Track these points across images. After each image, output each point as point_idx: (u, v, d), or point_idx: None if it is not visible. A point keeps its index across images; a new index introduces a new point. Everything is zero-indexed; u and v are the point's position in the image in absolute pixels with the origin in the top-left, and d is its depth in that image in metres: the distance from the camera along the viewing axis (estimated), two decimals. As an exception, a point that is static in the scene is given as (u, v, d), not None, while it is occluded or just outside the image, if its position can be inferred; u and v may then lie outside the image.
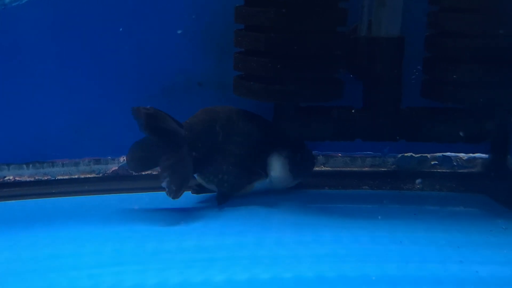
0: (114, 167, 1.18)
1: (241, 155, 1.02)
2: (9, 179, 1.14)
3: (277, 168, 1.03)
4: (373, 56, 0.99)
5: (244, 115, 1.04)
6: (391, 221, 0.96)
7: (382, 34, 0.99)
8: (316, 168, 1.21)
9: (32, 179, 1.14)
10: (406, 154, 1.20)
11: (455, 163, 1.20)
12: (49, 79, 1.12)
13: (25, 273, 0.80)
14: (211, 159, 1.00)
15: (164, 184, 0.94)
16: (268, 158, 1.03)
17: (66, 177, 1.16)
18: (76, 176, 1.16)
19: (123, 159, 1.18)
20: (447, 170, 1.20)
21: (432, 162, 1.20)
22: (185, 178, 0.96)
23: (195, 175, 1.03)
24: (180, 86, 1.16)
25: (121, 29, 1.11)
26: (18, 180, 1.14)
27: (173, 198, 0.94)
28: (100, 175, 1.17)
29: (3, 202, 1.08)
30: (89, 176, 1.17)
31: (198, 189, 1.06)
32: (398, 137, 1.03)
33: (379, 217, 0.98)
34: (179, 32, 1.10)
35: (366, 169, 1.20)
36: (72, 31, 1.10)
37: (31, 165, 1.15)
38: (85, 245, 0.88)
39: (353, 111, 1.02)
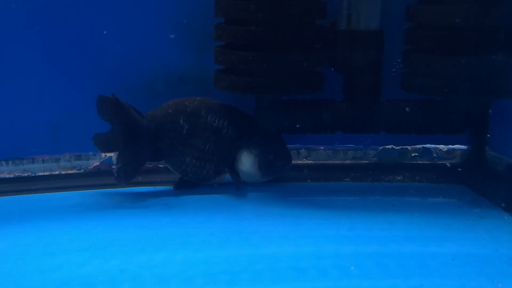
0: (95, 163, 1.17)
1: (207, 149, 1.03)
2: (-6, 175, 1.13)
3: (246, 164, 1.04)
4: (353, 49, 1.00)
5: (218, 110, 1.04)
6: (370, 213, 0.98)
7: (362, 27, 0.99)
8: (299, 161, 1.23)
9: (12, 175, 1.13)
10: (387, 147, 1.22)
11: (435, 155, 1.22)
12: (26, 75, 1.10)
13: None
14: (175, 150, 1.04)
15: (114, 170, 1.01)
16: (237, 154, 1.04)
17: (47, 173, 1.14)
18: (57, 172, 1.15)
19: (104, 154, 1.18)
20: (427, 162, 1.22)
21: (413, 154, 1.22)
22: (137, 166, 1.02)
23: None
24: (161, 81, 1.15)
25: (101, 23, 1.10)
26: (-1, 177, 1.13)
27: (120, 183, 1.01)
28: (82, 171, 1.16)
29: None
30: (70, 172, 1.16)
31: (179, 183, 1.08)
32: (378, 130, 1.04)
33: (359, 208, 1.00)
34: (172, 36, 1.11)
35: (348, 161, 1.22)
36: (51, 25, 1.08)
37: (10, 162, 1.13)
38: (65, 236, 0.88)
39: (333, 104, 1.03)
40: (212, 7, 1.05)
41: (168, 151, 1.04)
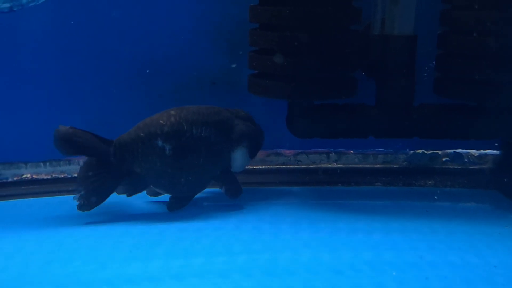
0: (129, 165, 1.20)
1: (202, 163, 0.96)
2: (26, 176, 1.15)
3: (239, 159, 1.01)
4: (387, 54, 1.00)
5: (198, 118, 0.96)
6: (403, 216, 0.98)
7: (396, 32, 1.00)
8: (328, 165, 1.24)
9: (49, 176, 1.16)
10: (417, 151, 1.21)
11: (466, 160, 1.22)
12: (65, 79, 1.13)
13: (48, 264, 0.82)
14: (163, 174, 0.95)
15: (75, 197, 0.95)
16: (231, 154, 1.00)
17: (83, 174, 1.18)
18: (92, 174, 1.19)
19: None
20: (458, 167, 1.21)
21: (444, 159, 1.22)
22: (100, 196, 0.95)
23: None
24: (193, 85, 1.17)
25: (134, 28, 1.12)
26: (36, 178, 1.16)
27: (81, 210, 0.95)
28: (116, 172, 1.19)
29: (21, 199, 1.10)
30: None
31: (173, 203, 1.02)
32: (411, 134, 1.04)
33: (392, 212, 1.00)
34: (204, 41, 1.11)
35: (378, 165, 1.22)
36: (81, 29, 1.11)
37: (48, 163, 1.17)
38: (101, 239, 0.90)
39: (365, 108, 1.03)
40: (244, 12, 1.06)
41: (152, 175, 0.96)
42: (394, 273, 0.78)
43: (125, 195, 0.99)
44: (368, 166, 1.21)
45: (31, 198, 1.10)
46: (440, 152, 1.21)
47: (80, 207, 0.95)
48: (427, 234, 0.90)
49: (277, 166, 1.22)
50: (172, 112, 0.96)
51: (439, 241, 0.88)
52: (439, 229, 0.92)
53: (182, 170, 0.95)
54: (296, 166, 1.22)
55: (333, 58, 0.97)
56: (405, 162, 1.22)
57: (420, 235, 0.90)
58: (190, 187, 0.98)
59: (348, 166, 1.21)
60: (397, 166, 1.21)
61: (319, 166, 1.21)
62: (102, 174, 0.95)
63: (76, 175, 1.17)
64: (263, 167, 1.21)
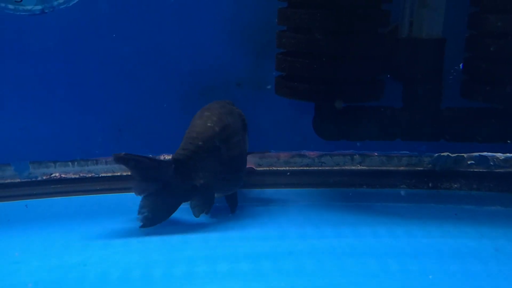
0: (155, 165, 1.22)
1: (239, 156, 0.98)
2: (55, 175, 1.17)
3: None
4: (414, 57, 1.00)
5: (228, 111, 0.98)
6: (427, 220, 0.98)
7: (424, 35, 0.99)
8: (352, 167, 1.24)
9: (77, 176, 1.18)
10: (442, 154, 1.21)
11: (491, 163, 1.21)
12: (94, 79, 1.15)
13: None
14: (220, 175, 0.94)
15: (138, 217, 0.93)
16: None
17: (109, 174, 1.19)
18: (118, 174, 1.19)
19: (163, 157, 1.21)
20: (484, 170, 1.20)
21: (469, 162, 1.21)
22: (164, 217, 0.94)
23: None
24: (219, 86, 1.18)
25: (163, 30, 1.13)
26: (64, 177, 1.17)
27: (144, 227, 0.93)
28: (141, 172, 1.21)
29: (50, 198, 1.12)
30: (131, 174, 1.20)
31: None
32: (438, 137, 1.04)
33: (416, 215, 1.00)
34: (230, 42, 1.10)
35: (403, 168, 1.22)
36: (111, 30, 1.12)
37: (76, 163, 1.18)
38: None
39: (392, 111, 1.03)
40: (271, 13, 1.07)
41: (214, 181, 0.94)
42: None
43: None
44: (392, 168, 1.21)
45: (60, 197, 1.13)
46: (465, 155, 1.20)
47: (143, 225, 0.93)
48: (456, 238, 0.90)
49: (301, 168, 1.22)
50: (206, 113, 0.96)
51: (467, 246, 0.88)
52: (467, 234, 0.92)
53: (231, 166, 0.96)
54: (320, 168, 1.22)
55: (361, 61, 0.98)
56: (430, 165, 1.21)
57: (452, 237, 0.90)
58: (236, 183, 0.99)
59: (372, 168, 1.21)
60: (421, 168, 1.20)
61: (343, 168, 1.22)
62: (164, 195, 0.93)
63: (103, 174, 1.22)
64: (287, 168, 1.22)
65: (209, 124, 0.93)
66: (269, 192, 1.13)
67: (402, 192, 1.12)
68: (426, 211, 1.04)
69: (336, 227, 0.95)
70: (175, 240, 0.91)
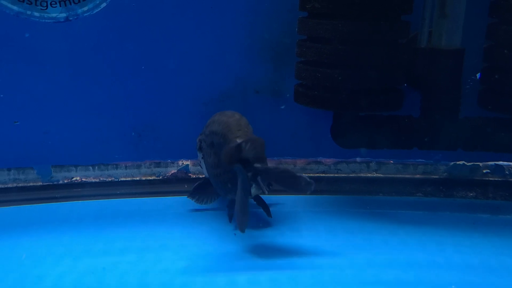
0: (173, 170, 1.23)
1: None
2: (76, 179, 1.20)
3: None
4: (433, 67, 1.01)
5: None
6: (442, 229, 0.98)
7: (443, 45, 1.01)
8: (368, 174, 1.25)
9: (97, 180, 1.20)
10: (458, 162, 1.22)
11: (507, 172, 1.22)
12: (115, 85, 1.16)
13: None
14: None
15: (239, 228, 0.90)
16: None
17: (129, 179, 1.21)
18: (138, 178, 1.21)
19: (181, 162, 1.23)
20: (499, 179, 1.21)
21: (484, 171, 1.22)
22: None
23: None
24: (238, 93, 1.20)
25: (180, 36, 1.15)
26: (85, 181, 1.20)
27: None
28: (160, 177, 1.22)
29: (71, 202, 1.13)
30: (150, 178, 1.22)
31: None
32: (455, 146, 1.05)
33: (431, 224, 1.01)
34: (249, 51, 1.12)
35: (418, 176, 1.23)
36: (133, 37, 1.14)
37: (96, 167, 1.20)
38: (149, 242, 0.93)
39: (410, 120, 1.04)
40: (289, 23, 1.10)
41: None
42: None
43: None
44: (408, 176, 1.23)
45: (80, 201, 1.14)
46: (480, 164, 1.21)
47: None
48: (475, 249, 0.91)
49: (317, 175, 1.24)
50: (228, 113, 0.98)
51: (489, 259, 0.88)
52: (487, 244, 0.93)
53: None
54: (336, 175, 1.24)
55: (381, 71, 0.99)
56: (445, 173, 1.22)
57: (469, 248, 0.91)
58: None
59: (388, 176, 1.23)
60: (437, 177, 1.22)
61: (359, 175, 1.23)
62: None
63: (122, 179, 1.24)
64: (304, 175, 1.23)
65: (237, 117, 0.94)
66: (284, 198, 1.14)
67: (418, 200, 1.14)
68: (441, 219, 1.05)
69: (350, 234, 0.96)
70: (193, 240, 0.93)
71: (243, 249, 0.91)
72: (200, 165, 1.08)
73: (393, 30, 0.97)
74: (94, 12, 1.12)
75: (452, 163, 1.22)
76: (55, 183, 1.18)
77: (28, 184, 1.17)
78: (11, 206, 1.10)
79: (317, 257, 0.88)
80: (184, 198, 1.14)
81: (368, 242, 0.93)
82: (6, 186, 1.15)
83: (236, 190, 0.90)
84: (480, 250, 0.91)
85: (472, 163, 1.22)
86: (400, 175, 1.23)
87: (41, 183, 1.17)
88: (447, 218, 1.05)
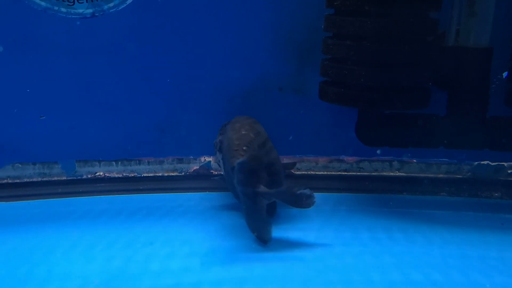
0: (195, 167, 1.23)
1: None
2: (99, 174, 1.20)
3: None
4: (461, 66, 1.01)
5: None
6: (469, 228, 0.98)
7: (471, 44, 1.00)
8: (391, 173, 1.25)
9: (120, 175, 1.21)
10: (482, 162, 1.21)
11: (532, 172, 1.21)
12: (138, 82, 1.17)
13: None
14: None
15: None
16: None
17: (151, 174, 1.22)
18: (160, 174, 1.22)
19: (204, 159, 1.24)
20: (525, 179, 1.21)
21: (509, 171, 1.21)
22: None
23: None
24: (261, 91, 1.20)
25: (205, 33, 1.15)
26: (108, 176, 1.20)
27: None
28: (182, 173, 1.23)
29: (95, 196, 1.14)
30: (172, 174, 1.23)
31: None
32: (482, 146, 1.04)
33: (457, 223, 1.00)
34: (272, 48, 1.12)
35: (442, 175, 1.22)
36: (157, 34, 1.15)
37: (119, 162, 1.21)
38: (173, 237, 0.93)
39: (437, 118, 1.03)
40: (313, 20, 1.10)
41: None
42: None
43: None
44: (431, 175, 1.22)
45: (103, 196, 1.15)
46: (505, 164, 1.20)
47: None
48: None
49: (339, 173, 1.24)
50: (237, 125, 0.97)
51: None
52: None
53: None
54: (358, 173, 1.24)
55: (409, 69, 0.98)
56: (469, 173, 1.21)
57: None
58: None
59: (410, 175, 1.22)
60: (461, 176, 1.21)
61: (382, 174, 1.23)
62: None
63: (145, 174, 1.25)
64: (325, 173, 1.24)
65: (243, 132, 0.94)
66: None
67: (442, 200, 1.13)
68: (466, 219, 1.04)
69: (373, 232, 0.96)
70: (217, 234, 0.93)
71: (265, 245, 0.91)
72: (219, 164, 1.08)
73: (422, 27, 0.96)
74: (120, 8, 1.12)
75: (476, 163, 1.21)
76: (79, 177, 1.19)
77: (53, 179, 1.18)
78: (37, 200, 1.11)
79: (340, 253, 0.88)
80: (206, 194, 1.15)
81: (393, 241, 0.93)
82: (31, 180, 1.17)
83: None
84: (510, 250, 0.90)
85: (496, 163, 1.20)
86: (423, 174, 1.22)
87: (65, 178, 1.19)
88: (472, 217, 1.04)
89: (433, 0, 0.95)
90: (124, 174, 1.21)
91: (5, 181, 1.16)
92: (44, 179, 1.17)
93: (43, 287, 0.79)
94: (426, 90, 1.03)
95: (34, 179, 1.17)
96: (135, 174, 1.22)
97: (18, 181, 1.17)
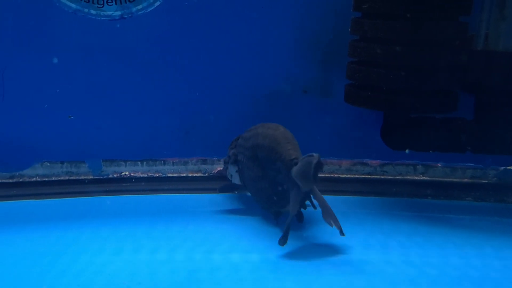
0: (219, 168, 1.24)
1: None
2: (125, 174, 1.22)
3: None
4: (489, 70, 1.00)
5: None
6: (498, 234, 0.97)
7: (500, 48, 0.99)
8: (415, 177, 1.24)
9: (145, 175, 1.22)
10: (508, 167, 1.20)
11: (560, 178, 1.19)
12: (164, 84, 1.18)
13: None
14: None
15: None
16: None
17: (176, 175, 1.23)
18: (184, 175, 1.23)
19: (227, 160, 1.25)
20: (552, 185, 1.19)
21: (536, 177, 1.20)
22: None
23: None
24: (286, 93, 1.20)
25: (230, 34, 1.16)
26: (133, 175, 1.22)
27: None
28: (206, 174, 1.24)
29: (120, 196, 1.16)
30: (196, 175, 1.24)
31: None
32: (511, 151, 1.03)
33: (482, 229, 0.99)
34: (297, 51, 1.12)
35: (467, 180, 1.21)
36: (183, 36, 1.16)
37: (145, 163, 1.22)
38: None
39: (464, 122, 1.03)
40: (338, 23, 1.11)
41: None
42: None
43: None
44: (456, 180, 1.21)
45: (128, 195, 1.16)
46: (532, 169, 1.20)
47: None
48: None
49: (363, 176, 1.24)
50: (281, 128, 0.97)
51: None
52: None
53: None
54: (382, 177, 1.23)
55: (437, 73, 0.98)
56: (495, 178, 1.20)
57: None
58: None
59: (435, 179, 1.21)
60: (486, 181, 1.20)
61: (406, 177, 1.22)
62: None
63: (169, 175, 1.26)
64: (349, 176, 1.23)
65: (282, 129, 0.95)
66: (331, 198, 1.13)
67: (468, 205, 1.12)
68: (491, 224, 1.03)
69: (403, 236, 0.95)
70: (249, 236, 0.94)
71: (292, 249, 0.91)
72: (230, 178, 1.07)
73: (451, 31, 0.96)
74: (148, 10, 1.14)
75: (503, 168, 1.20)
76: (105, 177, 1.21)
77: (80, 177, 1.20)
78: (64, 198, 1.13)
79: (364, 257, 0.88)
80: (229, 195, 1.16)
81: (422, 247, 0.92)
82: (59, 178, 1.19)
83: (282, 202, 0.93)
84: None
85: (524, 168, 1.20)
86: (448, 179, 1.21)
87: (92, 177, 1.21)
88: (498, 223, 1.03)
89: (463, 4, 0.95)
90: (149, 174, 1.22)
91: (34, 179, 1.19)
92: (72, 177, 1.20)
93: (78, 277, 0.81)
94: (454, 94, 1.03)
95: (62, 178, 1.19)
96: (160, 174, 1.23)
97: (46, 179, 1.19)
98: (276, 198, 0.95)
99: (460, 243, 0.93)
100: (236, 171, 1.04)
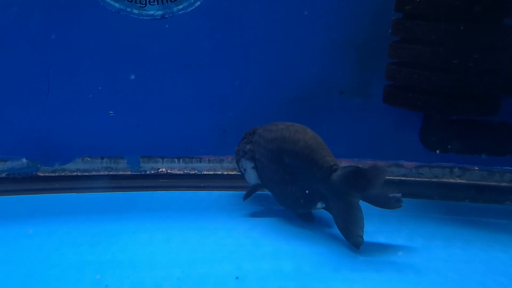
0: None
1: None
2: (162, 170, 1.24)
3: None
4: (533, 73, 0.99)
5: None
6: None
7: (546, 50, 0.98)
8: (451, 180, 1.23)
9: (182, 172, 1.24)
10: (549, 172, 1.18)
11: None
12: (203, 83, 1.20)
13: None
14: None
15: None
16: None
17: (211, 172, 1.25)
18: (219, 173, 1.25)
19: (262, 159, 1.26)
20: None
21: None
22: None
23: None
24: (322, 94, 1.21)
25: (267, 34, 1.17)
26: (170, 172, 1.24)
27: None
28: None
29: (157, 191, 1.18)
30: (231, 173, 1.25)
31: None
32: (553, 155, 1.01)
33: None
34: (333, 51, 1.12)
35: (505, 184, 1.20)
36: (221, 37, 1.17)
37: (181, 160, 1.25)
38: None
39: (506, 126, 1.02)
40: (375, 24, 1.11)
41: None
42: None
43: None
44: (493, 184, 1.20)
45: (165, 191, 1.18)
46: None
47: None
48: None
49: (398, 178, 1.23)
50: (310, 132, 0.96)
51: None
52: None
53: None
54: (417, 179, 1.23)
55: (481, 76, 0.97)
56: (535, 183, 1.19)
57: None
58: None
59: (472, 182, 1.20)
60: (526, 186, 1.18)
61: (442, 180, 1.21)
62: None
63: (205, 172, 1.28)
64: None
65: (310, 133, 0.94)
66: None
67: (506, 209, 1.10)
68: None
69: (428, 240, 0.94)
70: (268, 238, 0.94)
71: (326, 248, 0.91)
72: (244, 174, 1.08)
73: (495, 34, 0.95)
74: (188, 10, 1.16)
75: (543, 172, 1.18)
76: (143, 173, 1.24)
77: (118, 173, 1.23)
78: (103, 193, 1.16)
79: (397, 260, 0.88)
80: (262, 194, 1.17)
81: (466, 252, 0.91)
82: (99, 173, 1.22)
83: (309, 204, 0.95)
84: None
85: None
86: (485, 182, 1.20)
87: (130, 172, 1.23)
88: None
89: (508, 6, 0.94)
90: (185, 171, 1.24)
91: (75, 173, 1.22)
92: (111, 173, 1.22)
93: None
94: (496, 97, 1.02)
95: (101, 173, 1.22)
96: (196, 171, 1.25)
97: (86, 174, 1.22)
98: (303, 201, 0.96)
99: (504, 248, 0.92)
100: (252, 168, 1.05)
